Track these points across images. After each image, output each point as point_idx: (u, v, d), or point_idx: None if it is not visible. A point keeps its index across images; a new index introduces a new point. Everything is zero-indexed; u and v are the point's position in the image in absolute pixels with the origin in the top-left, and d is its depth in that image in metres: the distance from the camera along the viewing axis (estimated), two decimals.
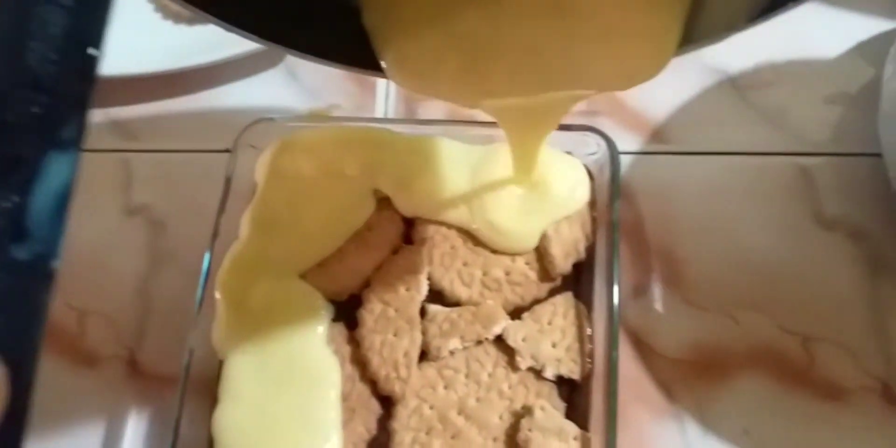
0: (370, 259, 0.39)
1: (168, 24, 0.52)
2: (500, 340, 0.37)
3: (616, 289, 0.36)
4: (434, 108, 0.49)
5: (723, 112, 0.47)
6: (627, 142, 0.46)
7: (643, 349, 0.41)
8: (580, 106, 0.33)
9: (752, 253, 0.43)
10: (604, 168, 0.40)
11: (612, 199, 0.38)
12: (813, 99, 0.47)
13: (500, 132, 0.35)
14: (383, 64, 0.23)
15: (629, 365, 0.40)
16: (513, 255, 0.39)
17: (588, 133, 0.40)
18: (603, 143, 0.40)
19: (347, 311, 0.38)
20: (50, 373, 0.41)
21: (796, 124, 0.46)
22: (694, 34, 0.20)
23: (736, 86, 0.48)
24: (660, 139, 0.47)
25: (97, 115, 0.48)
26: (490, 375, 0.36)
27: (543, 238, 0.39)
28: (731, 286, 0.42)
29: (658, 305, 0.42)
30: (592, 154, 0.41)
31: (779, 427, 0.39)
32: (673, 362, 0.40)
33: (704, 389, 0.40)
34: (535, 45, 0.21)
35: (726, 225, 0.44)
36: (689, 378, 0.40)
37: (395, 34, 0.22)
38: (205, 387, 0.36)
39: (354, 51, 0.23)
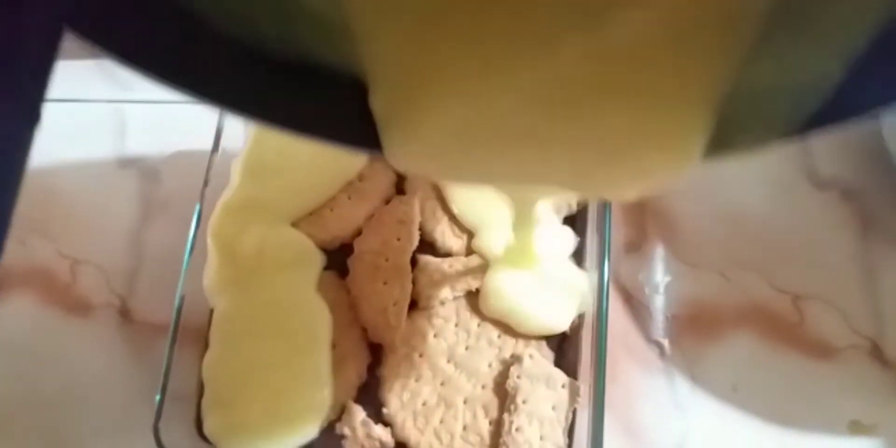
0: (362, 209, 0.38)
1: None
2: None
3: (607, 242, 0.35)
4: None
5: None
6: None
7: (634, 305, 0.41)
8: None
9: (745, 211, 0.43)
10: None
11: None
12: None
13: None
14: (389, 146, 0.19)
15: (620, 320, 0.40)
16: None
17: None
18: None
19: (339, 260, 0.38)
20: (42, 321, 0.41)
21: None
22: (721, 143, 0.18)
23: None
24: None
25: (90, 66, 0.48)
26: (479, 325, 0.36)
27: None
28: (724, 244, 0.42)
29: (650, 262, 0.42)
30: None
31: (767, 384, 0.39)
32: (664, 318, 0.40)
33: (694, 346, 0.40)
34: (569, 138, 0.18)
35: (720, 183, 0.44)
36: (680, 334, 0.40)
37: (415, 120, 0.18)
38: (196, 333, 0.36)
39: (344, 124, 0.20)
